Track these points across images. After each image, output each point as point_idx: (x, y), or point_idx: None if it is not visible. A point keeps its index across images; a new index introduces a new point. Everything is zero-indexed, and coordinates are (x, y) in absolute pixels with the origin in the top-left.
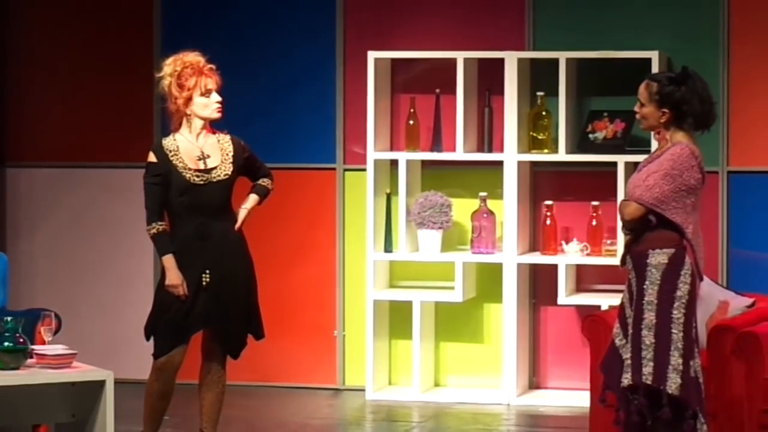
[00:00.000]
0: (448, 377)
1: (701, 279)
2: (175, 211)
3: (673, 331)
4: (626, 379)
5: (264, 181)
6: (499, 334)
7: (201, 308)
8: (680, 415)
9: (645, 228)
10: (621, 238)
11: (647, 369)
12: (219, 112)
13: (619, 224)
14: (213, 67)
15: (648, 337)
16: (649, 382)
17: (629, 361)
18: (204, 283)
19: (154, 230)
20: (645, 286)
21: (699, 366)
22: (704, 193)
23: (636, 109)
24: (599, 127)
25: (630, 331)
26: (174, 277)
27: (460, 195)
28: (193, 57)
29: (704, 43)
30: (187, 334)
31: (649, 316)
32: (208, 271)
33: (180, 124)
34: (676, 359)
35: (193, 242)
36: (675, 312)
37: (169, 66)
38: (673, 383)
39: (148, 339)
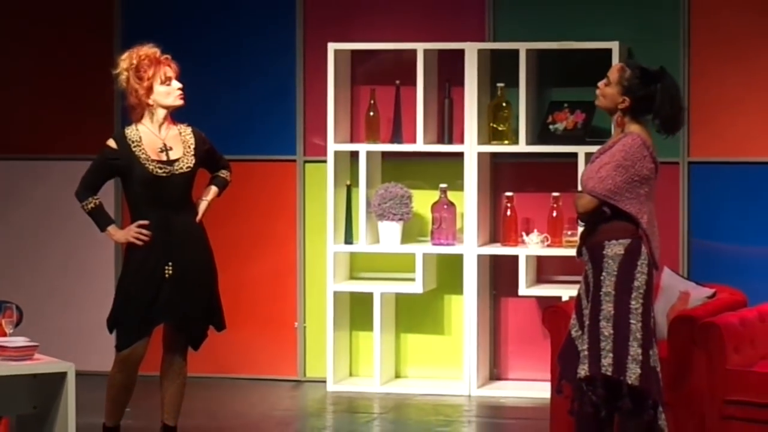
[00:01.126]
0: (409, 369)
1: (658, 268)
2: (136, 203)
3: (632, 321)
4: (583, 370)
5: (223, 173)
6: (460, 325)
7: (163, 300)
8: (640, 405)
9: (600, 219)
10: (581, 230)
11: (606, 360)
12: (181, 98)
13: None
14: (169, 56)
15: (606, 329)
16: (609, 374)
17: (586, 353)
18: (166, 275)
19: (92, 204)
20: (602, 278)
21: (657, 356)
22: (665, 184)
23: (600, 85)
24: (559, 118)
25: (587, 322)
26: (123, 236)
27: (421, 186)
28: (148, 49)
29: (664, 34)
30: (150, 326)
31: (607, 307)
32: (170, 264)
33: (142, 116)
34: (635, 350)
35: (155, 234)
36: (633, 302)
37: (125, 61)
38: (632, 374)
39: (111, 331)
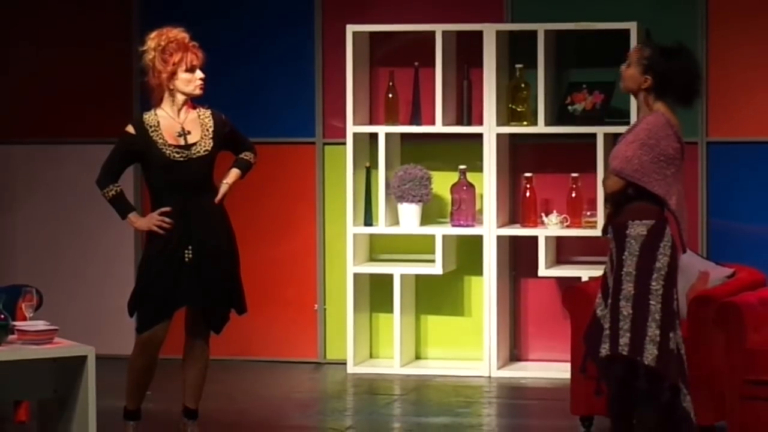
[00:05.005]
0: (429, 350)
1: (684, 251)
2: (156, 188)
3: (651, 302)
4: (604, 349)
5: (246, 155)
6: (480, 306)
7: (184, 284)
8: (657, 387)
9: (625, 200)
10: (601, 210)
11: (624, 340)
12: (201, 89)
13: (599, 196)
14: (196, 44)
15: (626, 308)
16: (625, 353)
17: (608, 332)
18: (187, 259)
19: (113, 192)
20: (624, 257)
21: (680, 338)
22: (684, 164)
23: (622, 68)
24: (578, 99)
25: (609, 301)
26: (145, 224)
27: (440, 168)
28: (178, 32)
29: (683, 14)
30: (171, 309)
31: (628, 287)
32: (190, 247)
33: (161, 99)
34: (653, 331)
35: (175, 219)
36: (654, 283)
37: (154, 40)
38: (649, 354)
39: (131, 315)
